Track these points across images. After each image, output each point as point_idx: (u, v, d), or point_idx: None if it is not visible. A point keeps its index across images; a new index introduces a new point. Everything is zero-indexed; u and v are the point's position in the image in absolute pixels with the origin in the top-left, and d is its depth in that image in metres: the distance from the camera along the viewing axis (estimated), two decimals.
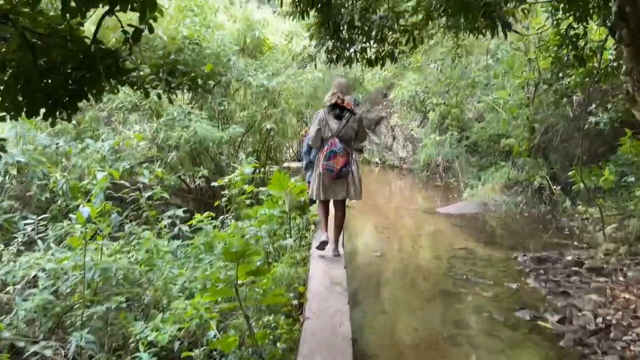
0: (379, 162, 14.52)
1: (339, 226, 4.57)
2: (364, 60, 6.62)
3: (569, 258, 5.24)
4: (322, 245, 4.41)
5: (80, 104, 2.66)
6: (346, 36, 6.23)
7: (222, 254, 3.43)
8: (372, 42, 6.37)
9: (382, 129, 14.71)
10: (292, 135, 18.49)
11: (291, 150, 19.10)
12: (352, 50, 6.59)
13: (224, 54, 8.53)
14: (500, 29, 3.53)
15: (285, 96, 10.51)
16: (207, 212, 6.23)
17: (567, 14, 5.57)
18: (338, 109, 4.44)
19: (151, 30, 2.67)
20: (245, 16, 9.29)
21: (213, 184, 6.24)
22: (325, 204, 4.62)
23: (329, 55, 6.41)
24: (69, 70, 2.54)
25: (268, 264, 4.90)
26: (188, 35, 8.32)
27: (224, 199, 6.36)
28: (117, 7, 2.32)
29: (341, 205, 4.57)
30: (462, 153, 10.42)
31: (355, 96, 18.25)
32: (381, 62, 6.55)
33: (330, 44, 6.24)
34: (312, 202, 5.49)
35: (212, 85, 7.99)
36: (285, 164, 15.97)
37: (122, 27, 2.35)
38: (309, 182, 5.34)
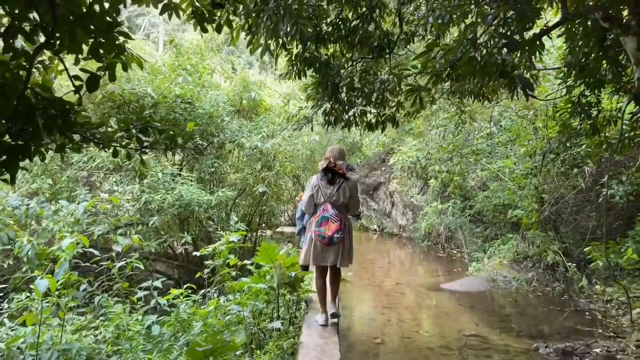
0: (377, 229, 13.96)
1: (336, 284, 4.61)
2: (364, 124, 6.30)
3: (598, 350, 4.58)
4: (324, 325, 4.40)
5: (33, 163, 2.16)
6: (345, 98, 5.93)
7: (186, 355, 2.80)
8: (372, 105, 6.08)
9: (381, 195, 14.28)
10: (287, 199, 18.14)
11: (286, 215, 18.55)
12: (351, 112, 6.27)
13: (217, 114, 8.24)
14: (519, 89, 3.14)
15: (281, 159, 10.18)
16: (187, 286, 5.59)
17: (579, 82, 5.31)
18: (330, 174, 4.48)
19: (112, 78, 2.23)
20: (242, 77, 9.12)
21: (195, 253, 5.64)
22: (322, 271, 4.59)
23: (326, 118, 6.07)
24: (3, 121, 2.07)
25: (251, 350, 4.23)
26: (180, 94, 8.07)
27: (206, 271, 5.75)
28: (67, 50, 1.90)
29: (335, 269, 4.59)
30: (465, 223, 9.90)
31: (351, 162, 18.05)
32: (382, 126, 6.21)
33: (328, 105, 5.94)
34: (304, 268, 5.30)
35: (194, 145, 7.63)
36: (280, 229, 15.37)
37: (67, 72, 1.91)
38: (301, 248, 5.20)
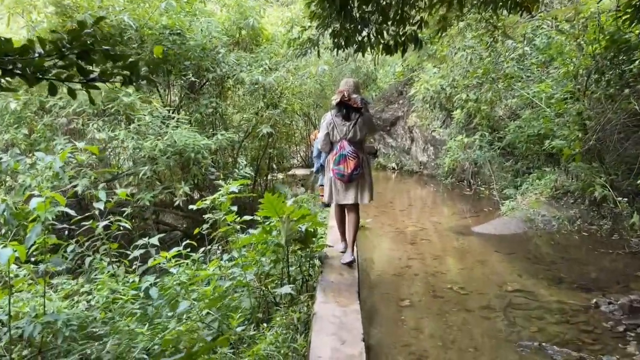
0: (396, 168, 13.14)
1: (354, 230, 4.51)
2: (380, 47, 5.34)
3: None
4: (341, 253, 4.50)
5: None
6: (357, 15, 4.95)
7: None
8: (390, 23, 5.08)
9: (399, 131, 13.33)
10: (299, 139, 17.30)
11: (299, 156, 17.80)
12: (364, 33, 5.30)
13: (210, 46, 7.26)
14: None
15: (288, 95, 9.23)
16: (185, 243, 4.94)
17: None
18: (345, 109, 4.35)
19: None
20: (238, 2, 7.99)
21: (191, 206, 4.92)
22: (341, 209, 4.61)
23: (335, 40, 5.12)
24: None
25: (257, 324, 3.60)
26: (168, 24, 7.06)
27: (205, 226, 5.08)
28: None
29: (355, 208, 4.51)
30: (494, 157, 9.00)
31: (366, 95, 16.94)
32: (402, 48, 5.25)
33: (337, 25, 4.97)
34: (326, 205, 5.60)
35: (187, 83, 6.74)
36: (292, 171, 14.66)
37: None
38: (321, 186, 5.46)
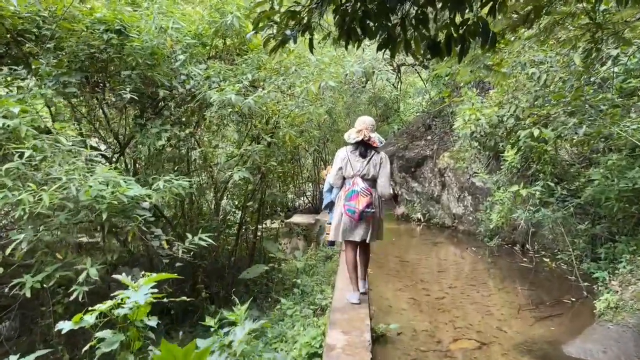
0: (422, 220, 10.68)
1: (364, 266, 4.79)
2: (421, 44, 3.10)
3: None
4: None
5: None
6: None
7: None
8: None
9: (426, 173, 10.94)
10: (305, 178, 15.00)
11: (305, 198, 15.45)
12: (396, 18, 3.07)
13: (164, 51, 5.10)
14: None
15: (283, 124, 6.97)
16: None
17: None
18: (363, 148, 4.44)
19: None
20: None
21: (60, 325, 2.61)
22: (353, 249, 4.57)
23: (344, 26, 2.88)
24: None
25: None
26: (105, 17, 4.90)
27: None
28: None
29: (366, 246, 4.68)
30: (566, 217, 6.55)
31: (386, 129, 14.70)
32: (460, 46, 3.01)
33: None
34: (331, 243, 6.10)
35: (121, 101, 4.52)
36: (294, 218, 12.26)
37: None
38: (329, 224, 5.54)
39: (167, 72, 5.33)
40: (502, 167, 7.91)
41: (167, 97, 5.46)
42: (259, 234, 8.79)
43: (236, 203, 8.49)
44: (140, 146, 5.35)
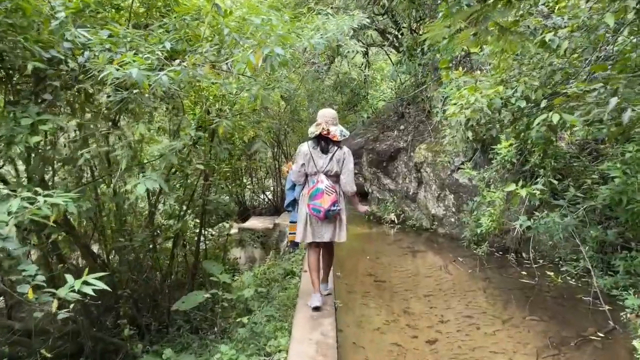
0: (396, 221, 9.42)
1: (328, 267, 4.79)
2: None
3: None
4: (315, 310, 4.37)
5: None
6: None
7: None
8: None
9: (401, 168, 9.67)
10: (264, 174, 13.56)
11: (264, 196, 13.97)
12: None
13: (36, 5, 3.54)
14: None
15: (227, 113, 5.57)
16: None
17: None
18: (324, 142, 4.30)
19: None
20: None
21: None
22: (316, 250, 4.52)
23: None
24: None
25: None
26: None
27: None
28: None
29: (330, 247, 4.66)
30: (579, 226, 5.40)
31: (355, 117, 13.38)
32: None
33: None
34: (295, 244, 5.45)
35: None
36: (250, 222, 10.77)
37: None
38: (292, 222, 5.13)
39: (49, 40, 3.76)
40: (492, 161, 6.69)
41: (52, 76, 3.89)
42: (203, 246, 7.28)
43: (173, 212, 6.96)
44: (13, 145, 3.77)
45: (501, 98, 4.70)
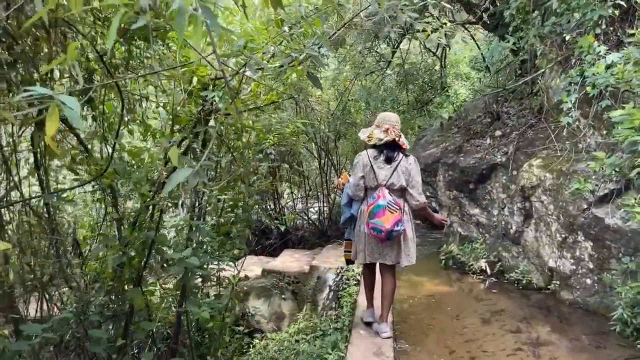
0: (487, 270, 6.48)
1: (390, 296, 4.10)
2: None
3: None
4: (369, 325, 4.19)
5: None
6: None
7: None
8: None
9: (495, 193, 6.74)
10: (312, 187, 11.18)
11: (306, 216, 11.44)
12: None
13: None
14: None
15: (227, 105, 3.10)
16: None
17: None
18: (390, 150, 3.86)
19: None
20: None
21: None
22: (371, 269, 4.26)
23: None
24: None
25: None
26: None
27: None
28: None
29: (391, 269, 4.11)
30: None
31: (420, 129, 10.65)
32: None
33: None
34: (349, 262, 4.71)
35: None
36: (280, 260, 8.17)
37: None
38: (347, 240, 4.63)
39: None
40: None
41: None
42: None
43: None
44: None
45: None
